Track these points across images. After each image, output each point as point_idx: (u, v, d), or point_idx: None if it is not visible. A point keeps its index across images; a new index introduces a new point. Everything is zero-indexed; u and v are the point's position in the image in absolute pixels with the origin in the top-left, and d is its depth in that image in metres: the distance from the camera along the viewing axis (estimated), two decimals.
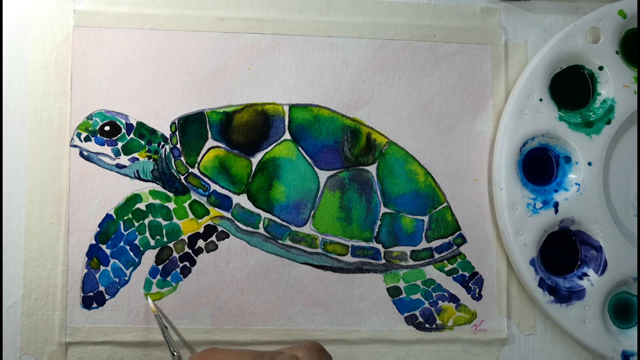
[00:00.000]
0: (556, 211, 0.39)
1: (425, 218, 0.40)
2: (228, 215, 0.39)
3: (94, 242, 0.38)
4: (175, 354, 0.30)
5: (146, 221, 0.39)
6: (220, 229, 0.39)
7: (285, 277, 0.39)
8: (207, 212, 0.39)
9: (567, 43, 0.40)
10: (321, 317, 0.39)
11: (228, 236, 0.39)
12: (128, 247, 0.38)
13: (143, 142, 0.39)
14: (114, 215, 0.38)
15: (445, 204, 0.40)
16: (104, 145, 0.39)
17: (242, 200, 0.39)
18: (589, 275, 0.40)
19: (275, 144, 0.39)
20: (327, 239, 0.39)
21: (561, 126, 0.40)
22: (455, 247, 0.40)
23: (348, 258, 0.39)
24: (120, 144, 0.39)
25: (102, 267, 0.38)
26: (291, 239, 0.39)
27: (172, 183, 0.39)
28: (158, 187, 0.39)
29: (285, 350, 0.29)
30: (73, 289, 0.38)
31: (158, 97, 0.39)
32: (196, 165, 0.39)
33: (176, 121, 0.39)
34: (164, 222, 0.39)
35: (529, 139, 0.40)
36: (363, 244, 0.39)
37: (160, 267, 0.38)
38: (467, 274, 0.40)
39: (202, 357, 0.29)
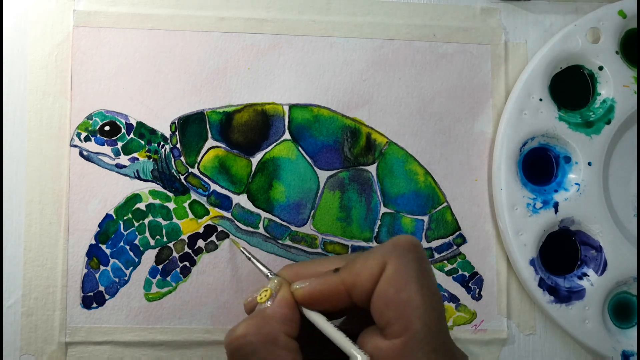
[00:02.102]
0: (556, 211, 0.39)
1: (425, 218, 0.40)
2: (228, 215, 0.39)
3: (93, 242, 0.38)
4: (269, 275, 0.31)
5: (146, 221, 0.39)
6: (220, 228, 0.39)
7: None
8: (207, 212, 0.39)
9: (567, 43, 0.40)
10: None
11: (228, 236, 0.39)
12: (128, 247, 0.38)
13: (143, 142, 0.39)
14: (113, 215, 0.38)
15: (445, 204, 0.40)
16: (103, 145, 0.39)
17: (242, 200, 0.39)
18: (588, 275, 0.40)
19: (275, 144, 0.39)
20: (327, 239, 0.39)
21: (561, 126, 0.40)
22: (455, 247, 0.40)
23: None
24: (120, 144, 0.39)
25: (102, 267, 0.38)
26: (291, 239, 0.39)
27: (172, 183, 0.39)
28: (158, 187, 0.39)
29: (371, 253, 0.28)
30: (73, 289, 0.38)
31: (158, 97, 0.39)
32: (196, 165, 0.39)
33: (176, 121, 0.39)
34: (163, 222, 0.39)
35: (529, 139, 0.40)
36: (363, 244, 0.39)
37: (160, 267, 0.38)
38: (467, 274, 0.40)
39: (289, 269, 0.31)
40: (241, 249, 0.36)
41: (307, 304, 0.28)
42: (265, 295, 0.28)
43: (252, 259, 0.34)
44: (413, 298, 0.25)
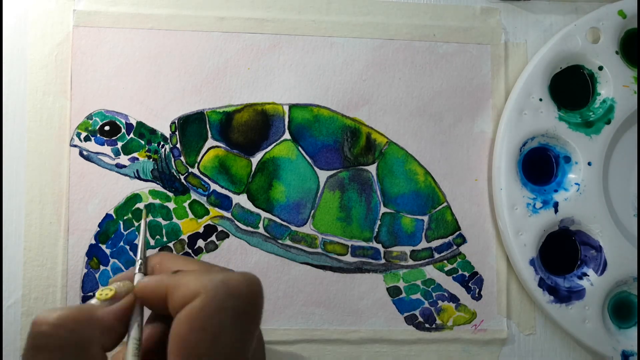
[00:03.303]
0: (556, 211, 0.39)
1: (425, 218, 0.40)
2: (228, 215, 0.39)
3: (93, 241, 0.38)
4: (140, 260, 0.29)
5: None
6: (220, 228, 0.39)
7: (285, 277, 0.39)
8: (207, 212, 0.39)
9: (567, 43, 0.40)
10: (321, 317, 0.39)
11: (228, 236, 0.39)
12: (128, 247, 0.38)
13: (143, 142, 0.39)
14: (113, 215, 0.38)
15: (445, 204, 0.40)
16: (103, 145, 0.39)
17: (242, 200, 0.39)
18: (588, 275, 0.40)
19: (275, 143, 0.39)
20: (327, 238, 0.39)
21: (561, 126, 0.40)
22: (455, 247, 0.40)
23: (348, 258, 0.39)
24: (120, 144, 0.39)
25: (101, 267, 0.38)
26: (291, 239, 0.39)
27: (172, 183, 0.39)
28: (158, 187, 0.39)
29: (201, 274, 0.25)
30: (73, 289, 0.38)
31: (158, 97, 0.39)
32: (196, 165, 0.39)
33: (176, 121, 0.39)
34: (163, 222, 0.39)
35: (529, 139, 0.40)
36: (363, 243, 0.39)
37: None
38: (467, 274, 0.40)
39: (158, 257, 0.29)
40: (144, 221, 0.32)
41: (141, 298, 0.26)
42: (107, 295, 0.26)
43: (141, 238, 0.30)
44: (200, 345, 0.23)
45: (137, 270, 0.28)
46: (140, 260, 0.29)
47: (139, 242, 0.31)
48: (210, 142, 0.39)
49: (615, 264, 0.39)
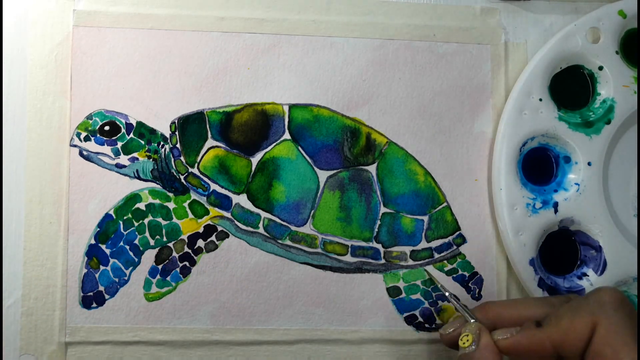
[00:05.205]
0: (556, 211, 0.39)
1: (425, 218, 0.40)
2: (228, 215, 0.39)
3: (93, 242, 0.38)
4: (473, 319, 0.33)
5: (146, 221, 0.39)
6: (220, 228, 0.39)
7: (285, 277, 0.39)
8: (207, 212, 0.39)
9: (567, 43, 0.40)
10: (321, 317, 0.39)
11: (228, 236, 0.39)
12: (128, 247, 0.38)
13: (143, 142, 0.39)
14: (113, 215, 0.38)
15: (445, 204, 0.40)
16: (103, 145, 0.39)
17: (241, 200, 0.39)
18: (588, 276, 0.40)
19: (275, 143, 0.39)
20: (327, 238, 0.39)
21: (561, 126, 0.40)
22: (454, 247, 0.40)
23: (348, 258, 0.39)
24: (120, 144, 0.39)
25: (101, 267, 0.38)
26: (291, 239, 0.39)
27: (172, 183, 0.39)
28: (158, 187, 0.39)
29: (576, 310, 0.29)
30: (72, 289, 0.38)
31: (158, 97, 0.39)
32: (196, 165, 0.39)
33: (176, 121, 0.39)
34: (163, 222, 0.39)
35: (529, 139, 0.40)
36: (363, 243, 0.39)
37: (159, 267, 0.38)
38: (467, 274, 0.40)
39: (487, 310, 0.33)
40: (445, 291, 0.38)
41: (509, 354, 0.30)
42: (468, 340, 0.31)
43: (455, 302, 0.36)
44: (633, 358, 0.26)
45: (471, 320, 0.33)
46: (465, 309, 0.34)
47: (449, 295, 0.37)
48: (210, 142, 0.39)
49: (615, 264, 0.39)
